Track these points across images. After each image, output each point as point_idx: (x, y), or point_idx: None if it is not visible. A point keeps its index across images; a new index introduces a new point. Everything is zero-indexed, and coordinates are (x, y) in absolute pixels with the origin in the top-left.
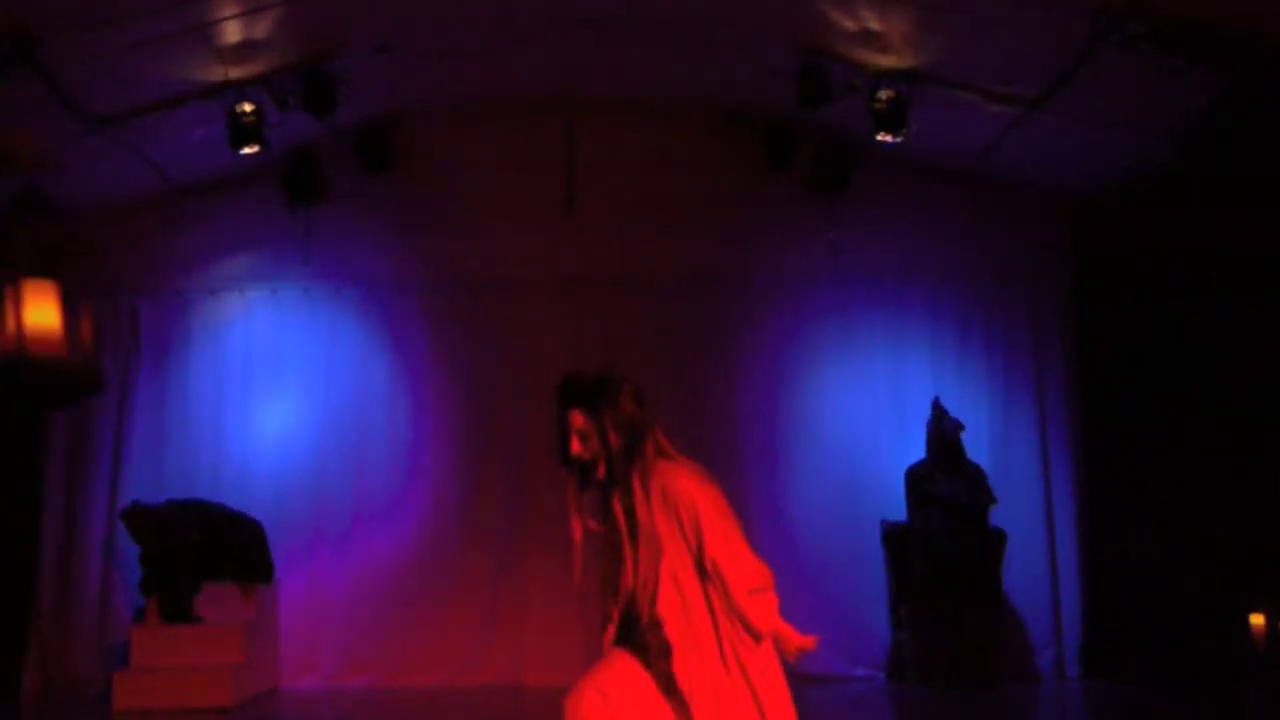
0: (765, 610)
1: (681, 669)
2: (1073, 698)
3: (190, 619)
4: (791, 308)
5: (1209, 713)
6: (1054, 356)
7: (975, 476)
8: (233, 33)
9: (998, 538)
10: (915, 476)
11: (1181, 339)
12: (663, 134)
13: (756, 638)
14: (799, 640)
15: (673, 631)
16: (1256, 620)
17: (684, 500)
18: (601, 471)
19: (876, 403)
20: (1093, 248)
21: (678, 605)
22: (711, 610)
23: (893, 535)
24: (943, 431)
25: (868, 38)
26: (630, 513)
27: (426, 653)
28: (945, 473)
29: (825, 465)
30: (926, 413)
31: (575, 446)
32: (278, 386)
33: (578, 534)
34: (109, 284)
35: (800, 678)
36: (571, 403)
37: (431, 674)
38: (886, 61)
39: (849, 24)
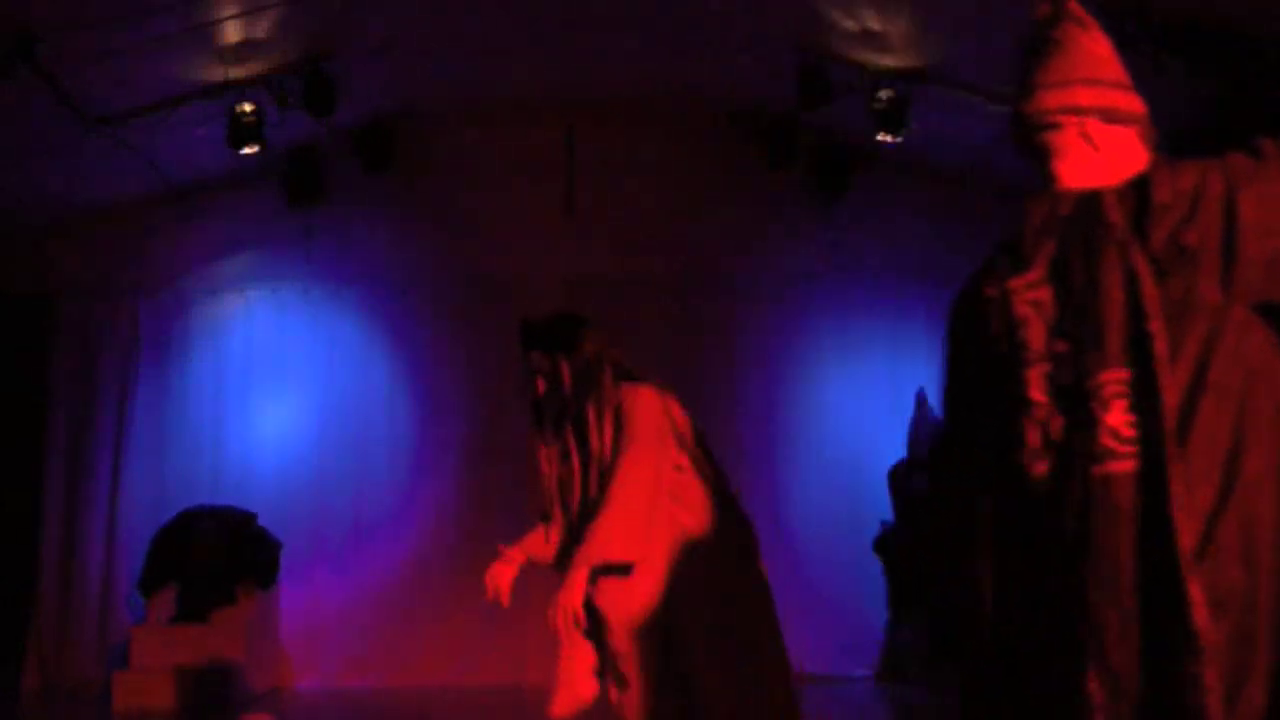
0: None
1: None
2: None
3: (197, 619)
4: (791, 308)
5: None
6: None
7: None
8: (233, 33)
9: None
10: (894, 477)
11: None
12: (662, 134)
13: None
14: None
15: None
16: None
17: (628, 418)
18: (563, 407)
19: (876, 403)
20: None
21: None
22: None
23: (882, 540)
24: (921, 426)
25: (868, 38)
26: (584, 441)
27: (427, 652)
28: (921, 468)
29: (825, 465)
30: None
31: (540, 386)
32: (278, 386)
33: (545, 467)
34: (109, 284)
35: (800, 677)
36: (531, 344)
37: (432, 674)
38: (886, 61)
39: (849, 24)
